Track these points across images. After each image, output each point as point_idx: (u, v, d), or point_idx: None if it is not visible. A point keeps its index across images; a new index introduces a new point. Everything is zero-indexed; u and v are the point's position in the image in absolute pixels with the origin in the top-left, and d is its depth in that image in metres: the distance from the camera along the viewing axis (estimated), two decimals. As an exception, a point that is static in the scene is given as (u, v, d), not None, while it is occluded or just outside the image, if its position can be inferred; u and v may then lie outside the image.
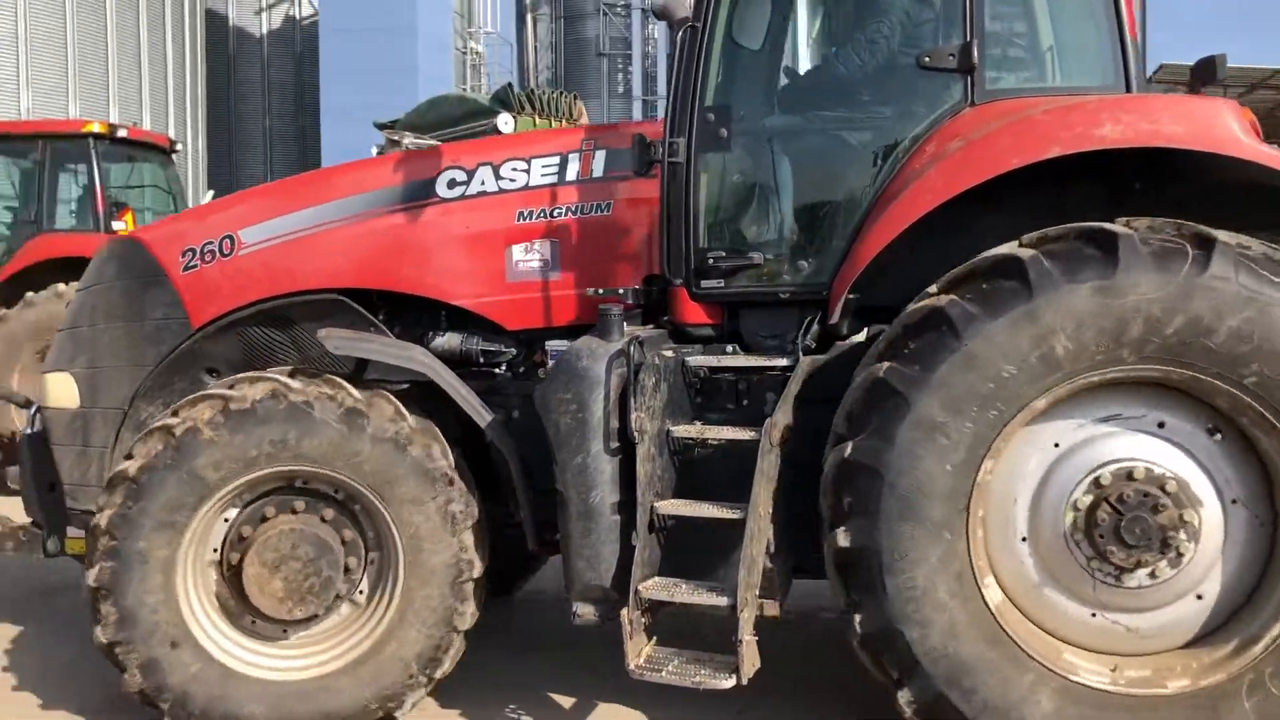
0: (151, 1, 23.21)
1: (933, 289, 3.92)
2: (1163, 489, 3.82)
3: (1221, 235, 3.68)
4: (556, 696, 5.02)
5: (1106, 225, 3.74)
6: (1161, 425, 3.92)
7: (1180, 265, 3.61)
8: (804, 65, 4.62)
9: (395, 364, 4.62)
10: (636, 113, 38.63)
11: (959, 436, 3.78)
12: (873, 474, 3.82)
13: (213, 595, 4.56)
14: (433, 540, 4.39)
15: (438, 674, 4.50)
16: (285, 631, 4.58)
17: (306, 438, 4.34)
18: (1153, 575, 3.86)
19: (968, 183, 3.93)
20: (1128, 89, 4.24)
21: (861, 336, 4.29)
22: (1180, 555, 3.83)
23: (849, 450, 3.89)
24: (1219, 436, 3.89)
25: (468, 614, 4.45)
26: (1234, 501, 3.89)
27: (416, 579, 4.41)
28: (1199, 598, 3.94)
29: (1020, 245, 3.84)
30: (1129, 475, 3.84)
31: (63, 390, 5.10)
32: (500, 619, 5.47)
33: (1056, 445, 3.96)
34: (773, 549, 4.17)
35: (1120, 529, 3.82)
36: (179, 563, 4.40)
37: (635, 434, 4.12)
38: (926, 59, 4.27)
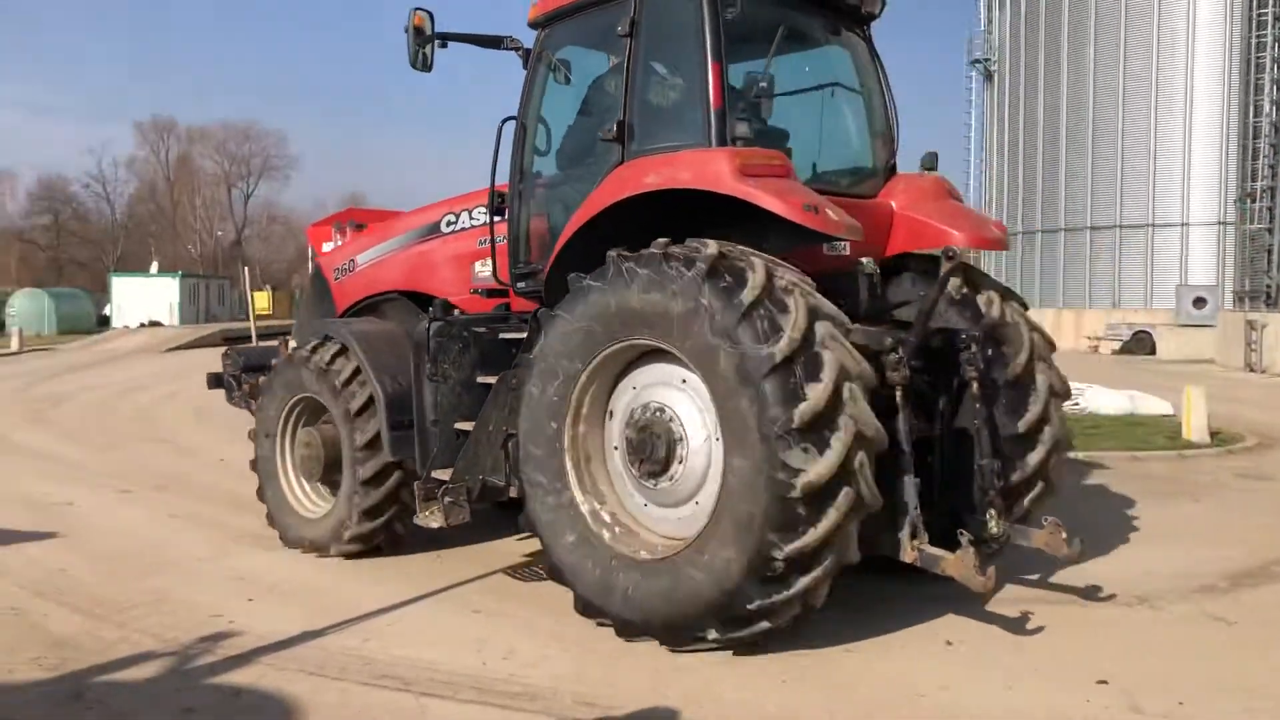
0: None
1: None
2: (665, 421, 5.60)
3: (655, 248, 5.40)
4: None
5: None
6: (684, 381, 5.62)
7: (641, 273, 5.44)
8: (564, 139, 6.80)
9: (331, 335, 7.63)
10: None
11: (560, 369, 5.88)
12: (512, 387, 6.12)
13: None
14: (345, 435, 7.32)
15: (346, 535, 7.37)
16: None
17: (298, 375, 7.66)
18: (662, 483, 5.65)
19: (580, 221, 5.98)
20: (710, 144, 5.80)
21: None
22: (674, 472, 5.59)
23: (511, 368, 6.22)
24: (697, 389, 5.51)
25: (368, 495, 7.25)
26: (718, 439, 5.41)
27: (346, 463, 7.39)
28: (697, 504, 5.57)
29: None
30: (652, 413, 5.68)
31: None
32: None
33: (634, 388, 5.85)
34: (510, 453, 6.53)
35: (643, 449, 5.68)
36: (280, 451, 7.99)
37: (438, 377, 6.77)
38: (601, 133, 6.24)
